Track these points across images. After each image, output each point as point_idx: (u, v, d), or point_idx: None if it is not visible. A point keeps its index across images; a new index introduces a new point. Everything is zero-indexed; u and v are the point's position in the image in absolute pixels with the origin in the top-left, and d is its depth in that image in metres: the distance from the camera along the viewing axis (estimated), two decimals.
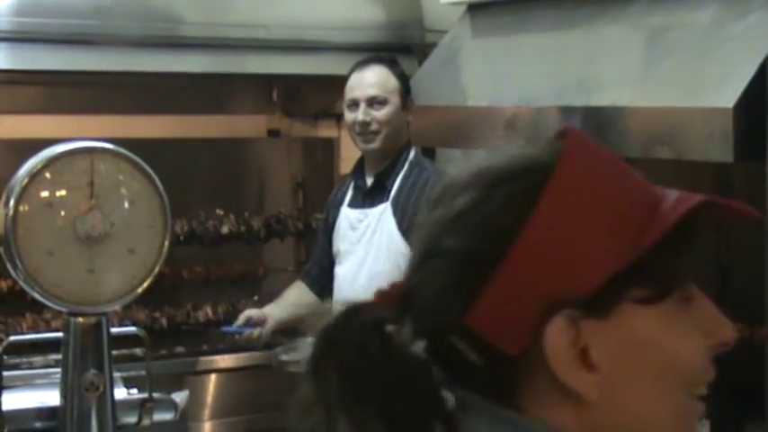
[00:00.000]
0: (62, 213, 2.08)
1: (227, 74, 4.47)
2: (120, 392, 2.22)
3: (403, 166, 3.38)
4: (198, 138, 4.98)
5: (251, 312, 3.44)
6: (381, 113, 3.37)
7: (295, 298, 3.60)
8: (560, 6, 3.81)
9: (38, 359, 2.40)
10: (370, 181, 3.41)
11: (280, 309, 3.53)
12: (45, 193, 2.07)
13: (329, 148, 5.27)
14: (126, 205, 2.13)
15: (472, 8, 4.18)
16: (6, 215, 2.03)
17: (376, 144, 3.37)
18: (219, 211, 4.73)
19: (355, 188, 3.45)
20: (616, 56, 3.54)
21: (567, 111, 3.49)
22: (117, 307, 2.13)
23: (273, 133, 5.27)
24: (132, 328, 2.26)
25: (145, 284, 2.12)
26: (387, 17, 4.66)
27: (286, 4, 4.48)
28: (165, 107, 4.86)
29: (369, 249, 3.32)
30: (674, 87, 3.21)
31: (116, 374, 2.18)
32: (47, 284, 2.06)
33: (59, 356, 2.14)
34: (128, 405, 2.21)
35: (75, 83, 4.47)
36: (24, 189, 2.06)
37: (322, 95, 5.16)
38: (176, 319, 4.57)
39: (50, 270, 2.06)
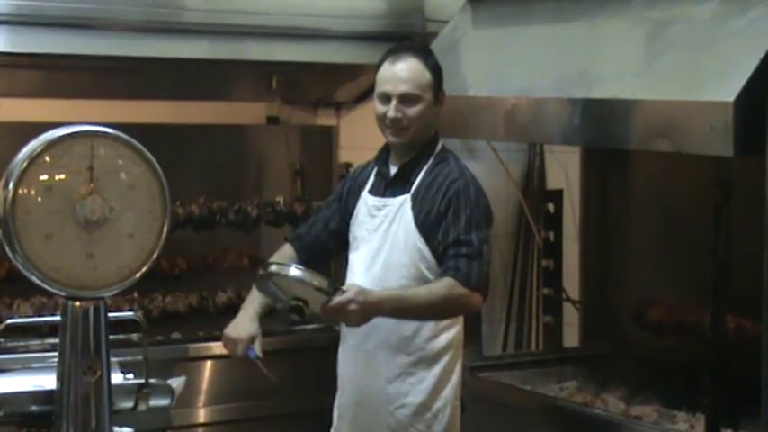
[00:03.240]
0: (61, 197, 2.07)
1: (228, 60, 4.46)
2: (117, 377, 2.21)
3: (428, 160, 3.31)
4: (197, 124, 4.97)
5: (242, 334, 3.29)
6: (414, 110, 3.26)
7: None
8: None
9: (35, 343, 2.40)
10: (394, 170, 3.34)
11: (254, 317, 3.32)
12: (44, 177, 2.06)
13: (328, 136, 5.27)
14: (125, 190, 2.12)
15: None
16: (5, 198, 2.02)
17: (406, 139, 3.29)
18: (218, 198, 4.74)
19: (378, 175, 3.38)
20: (617, 49, 3.54)
21: (567, 102, 3.49)
22: (115, 291, 2.12)
23: (273, 120, 5.26)
24: (130, 313, 2.25)
25: (143, 269, 2.11)
26: (388, 6, 4.65)
27: None
28: (165, 93, 4.85)
29: (385, 239, 3.27)
30: (675, 81, 3.20)
31: (113, 359, 2.18)
32: (45, 268, 2.05)
33: (57, 340, 2.13)
34: (124, 390, 2.21)
35: (75, 67, 4.46)
36: (24, 172, 2.05)
37: (322, 83, 5.15)
38: (173, 304, 4.57)
39: (49, 254, 2.05)
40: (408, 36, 4.61)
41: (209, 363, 4.38)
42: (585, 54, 3.63)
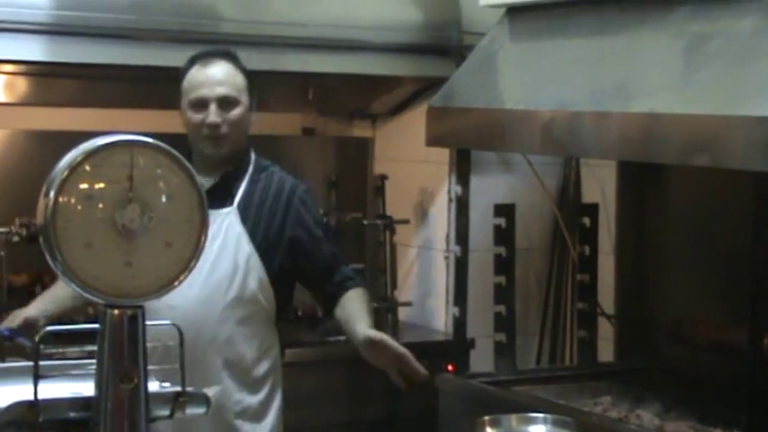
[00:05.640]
0: (101, 206, 2.08)
1: (264, 71, 4.47)
2: (153, 385, 2.22)
3: (248, 170, 3.19)
4: None
5: (26, 314, 3.13)
6: (233, 114, 3.12)
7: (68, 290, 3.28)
8: (600, 12, 3.80)
9: (73, 350, 2.41)
10: (208, 182, 3.10)
11: (50, 306, 3.18)
12: (84, 186, 2.07)
13: (363, 147, 5.28)
14: (164, 199, 2.13)
15: (511, 11, 4.17)
16: (46, 206, 2.03)
17: (225, 149, 3.14)
18: None
19: None
20: (656, 62, 3.52)
21: (604, 116, 3.48)
22: (153, 300, 2.13)
23: (308, 131, 5.27)
24: (167, 322, 2.26)
25: (181, 278, 2.11)
26: (424, 18, 4.65)
27: (324, 2, 4.49)
28: None
29: (207, 256, 2.91)
30: (714, 95, 3.18)
31: (150, 367, 2.19)
32: (85, 276, 2.06)
33: (95, 348, 2.15)
34: (161, 398, 2.21)
35: (114, 76, 4.50)
36: (64, 181, 2.06)
37: (357, 95, 5.16)
38: None
39: (89, 262, 2.06)
40: (445, 48, 4.62)
41: None
42: (623, 67, 3.61)
